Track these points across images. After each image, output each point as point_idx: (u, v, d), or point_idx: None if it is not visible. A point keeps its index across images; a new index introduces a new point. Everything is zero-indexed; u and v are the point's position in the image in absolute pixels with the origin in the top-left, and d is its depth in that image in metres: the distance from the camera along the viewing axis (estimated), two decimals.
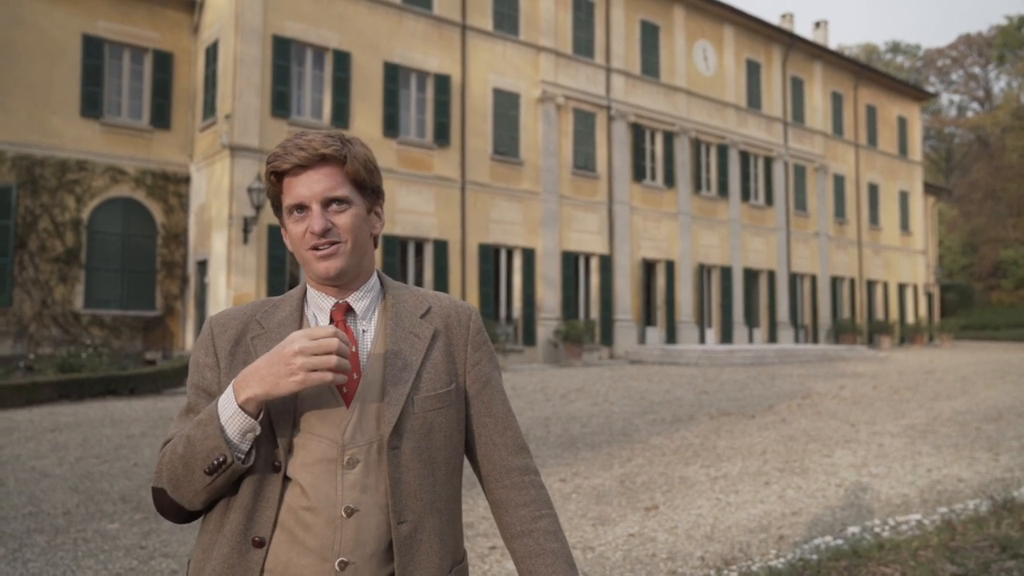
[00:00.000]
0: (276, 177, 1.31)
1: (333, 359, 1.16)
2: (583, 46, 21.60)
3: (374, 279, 1.40)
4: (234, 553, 1.26)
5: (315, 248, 1.30)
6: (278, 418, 1.27)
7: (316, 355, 1.16)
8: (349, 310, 1.36)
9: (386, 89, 17.64)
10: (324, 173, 1.30)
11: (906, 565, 4.01)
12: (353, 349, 1.33)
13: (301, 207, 1.30)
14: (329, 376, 1.17)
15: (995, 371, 17.10)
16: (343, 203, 1.31)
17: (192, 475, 1.22)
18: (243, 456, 1.22)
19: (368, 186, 1.36)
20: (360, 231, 1.34)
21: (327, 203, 1.30)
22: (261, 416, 1.22)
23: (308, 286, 1.39)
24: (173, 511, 1.29)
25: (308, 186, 1.29)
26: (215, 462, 1.20)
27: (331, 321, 1.35)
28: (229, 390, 1.21)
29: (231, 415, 1.20)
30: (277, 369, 1.17)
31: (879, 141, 31.91)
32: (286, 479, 1.27)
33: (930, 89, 56.84)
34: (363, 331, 1.36)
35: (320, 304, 1.36)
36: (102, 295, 16.32)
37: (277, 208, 1.36)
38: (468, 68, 19.10)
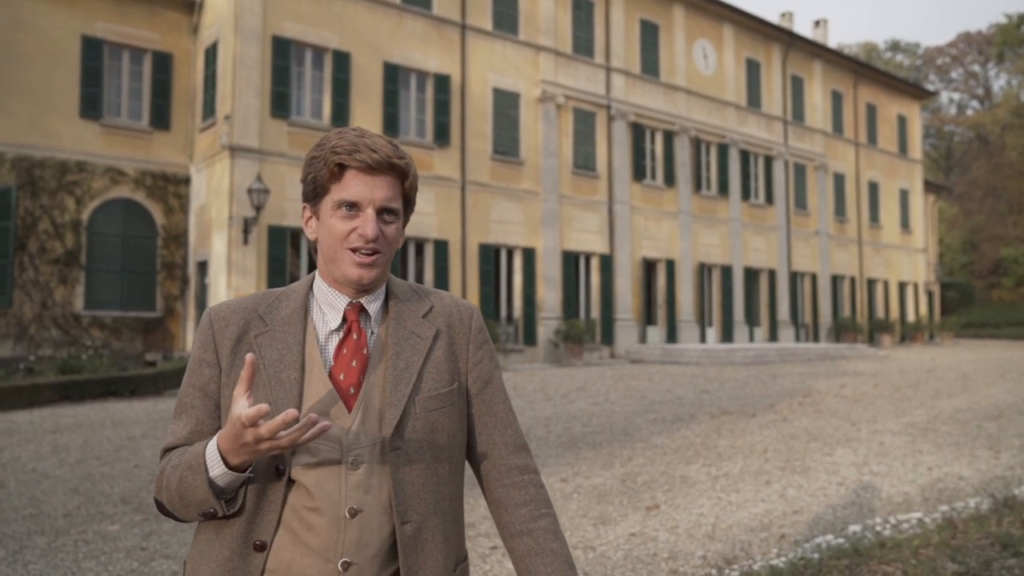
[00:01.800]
0: (339, 168, 1.29)
1: (284, 441, 1.13)
2: (583, 45, 21.59)
3: (384, 284, 1.40)
4: (234, 556, 1.26)
5: (355, 251, 1.29)
6: None
7: (273, 440, 1.13)
8: (362, 310, 1.35)
9: (386, 89, 17.64)
10: (387, 182, 1.31)
11: (907, 563, 4.01)
12: (365, 352, 1.33)
13: (353, 206, 1.29)
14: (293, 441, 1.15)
15: (996, 369, 17.10)
16: (393, 215, 1.33)
17: (188, 510, 1.26)
18: (233, 499, 1.25)
19: (411, 204, 1.39)
20: (397, 244, 1.36)
21: (381, 211, 1.31)
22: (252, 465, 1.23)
23: (319, 280, 1.37)
24: (175, 517, 1.32)
25: (370, 189, 1.29)
26: (208, 511, 1.24)
27: (344, 320, 1.34)
28: (215, 448, 1.20)
29: (220, 473, 1.20)
30: (250, 449, 1.15)
31: (879, 139, 31.90)
32: (289, 481, 1.27)
33: (930, 87, 56.81)
34: (372, 332, 1.36)
35: (332, 301, 1.34)
36: (102, 296, 16.31)
37: (316, 195, 1.33)
38: (468, 68, 19.09)
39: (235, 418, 1.13)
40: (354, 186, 1.29)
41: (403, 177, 1.33)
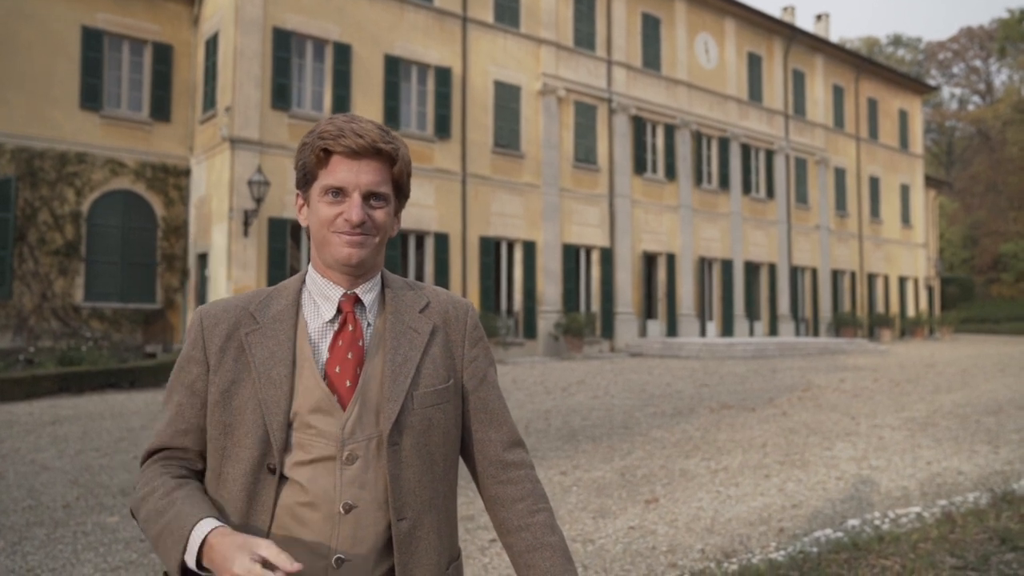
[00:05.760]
0: (324, 153, 1.29)
1: None
2: (584, 39, 21.53)
3: (379, 274, 1.39)
4: None
5: (343, 234, 1.28)
6: (272, 420, 1.25)
7: None
8: (358, 301, 1.34)
9: (387, 82, 17.60)
10: (373, 166, 1.29)
11: (906, 557, 4.01)
12: (361, 344, 1.32)
13: (339, 191, 1.29)
14: None
15: (995, 364, 17.10)
16: (381, 199, 1.31)
17: (160, 557, 1.21)
18: None
19: (403, 189, 1.36)
20: (388, 229, 1.34)
21: (367, 196, 1.30)
22: None
23: (312, 271, 1.37)
24: None
25: (355, 175, 1.28)
26: None
27: (339, 311, 1.32)
28: (200, 539, 1.14)
29: (192, 563, 1.15)
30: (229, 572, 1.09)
31: (880, 134, 31.84)
32: (282, 478, 1.26)
33: (931, 82, 56.65)
34: (368, 324, 1.34)
35: (326, 292, 1.33)
36: (102, 288, 16.31)
37: (306, 182, 1.33)
38: (469, 61, 19.04)
39: (252, 548, 1.09)
40: (340, 171, 1.28)
41: (391, 162, 1.31)
